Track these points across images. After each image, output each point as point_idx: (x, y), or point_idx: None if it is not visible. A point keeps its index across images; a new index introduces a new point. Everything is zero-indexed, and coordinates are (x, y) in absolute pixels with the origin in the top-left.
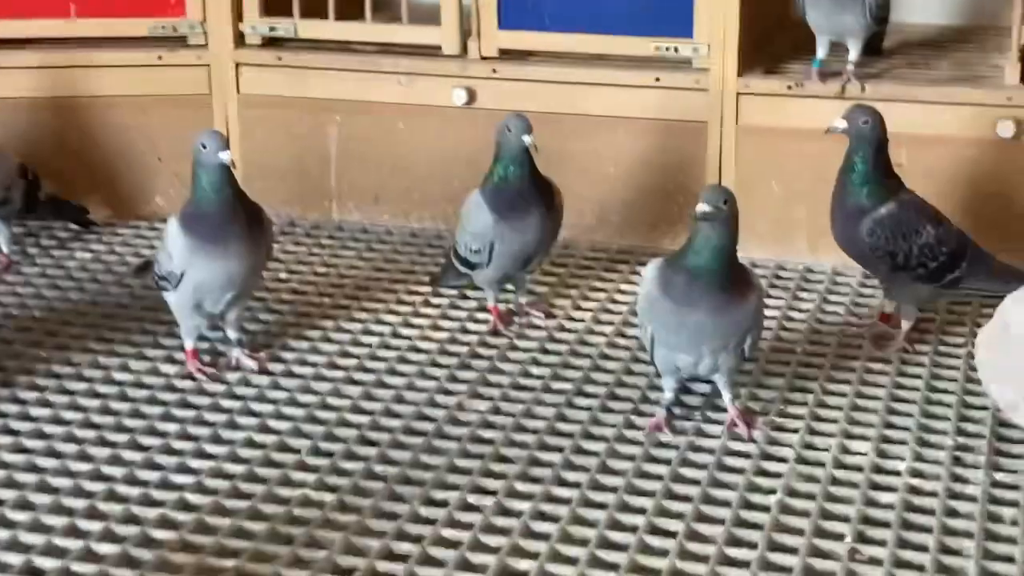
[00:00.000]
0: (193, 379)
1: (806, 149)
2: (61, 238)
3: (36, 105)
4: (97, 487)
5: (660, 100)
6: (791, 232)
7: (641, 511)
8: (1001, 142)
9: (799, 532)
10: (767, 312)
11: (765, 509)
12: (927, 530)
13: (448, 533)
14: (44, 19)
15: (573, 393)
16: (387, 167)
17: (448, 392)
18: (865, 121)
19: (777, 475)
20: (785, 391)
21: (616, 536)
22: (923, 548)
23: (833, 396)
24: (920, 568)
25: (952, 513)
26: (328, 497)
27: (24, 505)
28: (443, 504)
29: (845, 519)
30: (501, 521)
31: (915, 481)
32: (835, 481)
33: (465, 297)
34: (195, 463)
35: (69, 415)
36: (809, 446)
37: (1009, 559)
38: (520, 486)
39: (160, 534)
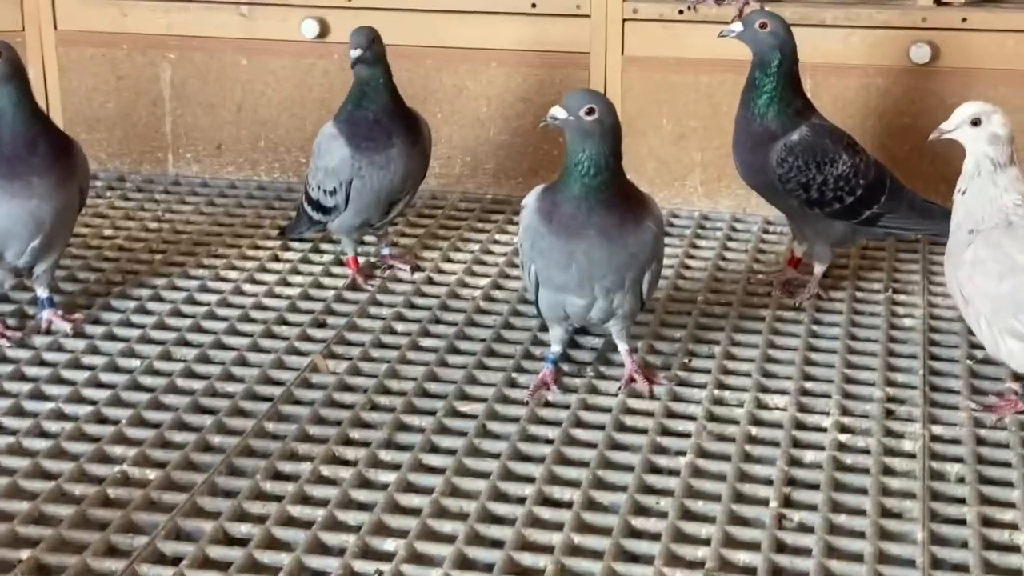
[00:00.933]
0: None
1: (701, 82)
2: None
3: None
4: None
5: (536, 28)
6: (684, 175)
7: (529, 479)
8: (915, 68)
9: (715, 498)
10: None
11: (674, 473)
12: (862, 491)
13: (297, 511)
14: None
15: (445, 350)
16: (230, 112)
17: (299, 352)
18: (763, 24)
19: (685, 435)
20: (688, 343)
21: (500, 508)
22: (860, 511)
23: (742, 348)
24: (859, 534)
25: (889, 472)
26: (152, 474)
27: None
28: (292, 478)
29: (767, 482)
30: (362, 495)
31: (843, 437)
32: (752, 440)
33: (319, 251)
34: None
35: None
36: (719, 402)
37: (959, 521)
38: (384, 455)
39: None
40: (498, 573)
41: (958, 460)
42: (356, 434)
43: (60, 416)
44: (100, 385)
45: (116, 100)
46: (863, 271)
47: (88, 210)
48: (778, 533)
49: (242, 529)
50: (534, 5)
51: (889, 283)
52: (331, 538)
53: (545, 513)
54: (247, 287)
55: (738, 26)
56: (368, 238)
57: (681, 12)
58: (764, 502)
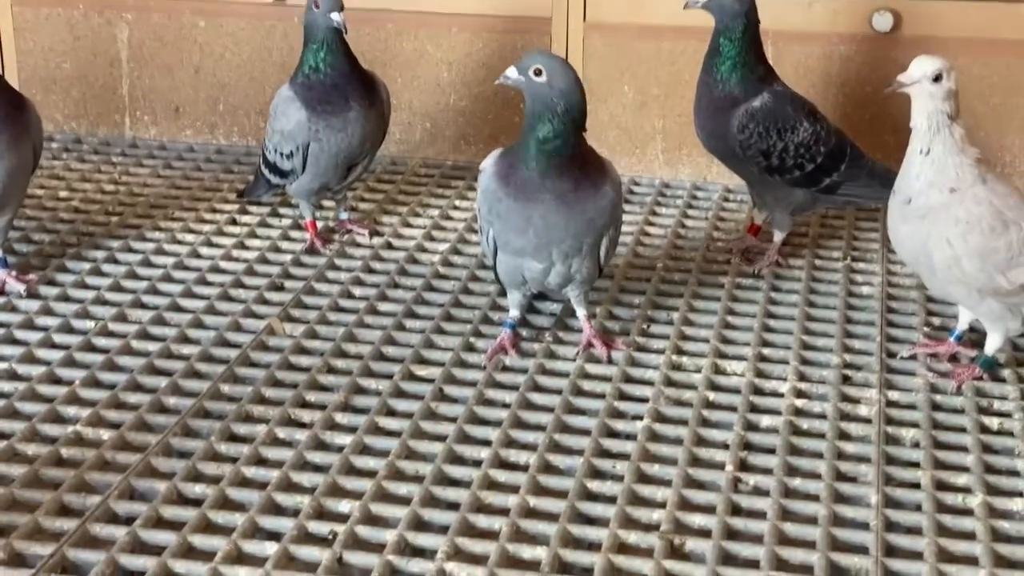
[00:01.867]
0: None
1: (663, 49)
2: None
3: None
4: None
5: None
6: (646, 142)
7: (485, 443)
8: (877, 36)
9: (671, 462)
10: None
11: (631, 437)
12: (818, 456)
13: (252, 472)
14: None
15: (403, 315)
16: (188, 75)
17: (255, 315)
18: None
19: (642, 400)
20: (647, 309)
21: (456, 471)
22: (815, 475)
23: (701, 314)
24: (814, 497)
25: (845, 436)
26: (106, 434)
27: None
28: (247, 440)
29: (723, 446)
30: (318, 457)
31: (800, 403)
32: (709, 405)
33: (277, 215)
34: None
35: None
36: (677, 367)
37: (914, 485)
38: (340, 418)
39: None
40: (453, 535)
41: (914, 425)
42: (312, 397)
43: (12, 376)
44: (54, 346)
45: (73, 61)
46: (822, 239)
47: (43, 172)
48: (733, 496)
49: (196, 490)
50: None
51: (848, 251)
52: (286, 499)
53: (501, 476)
54: (204, 250)
55: None
56: (327, 203)
57: None
58: (720, 466)
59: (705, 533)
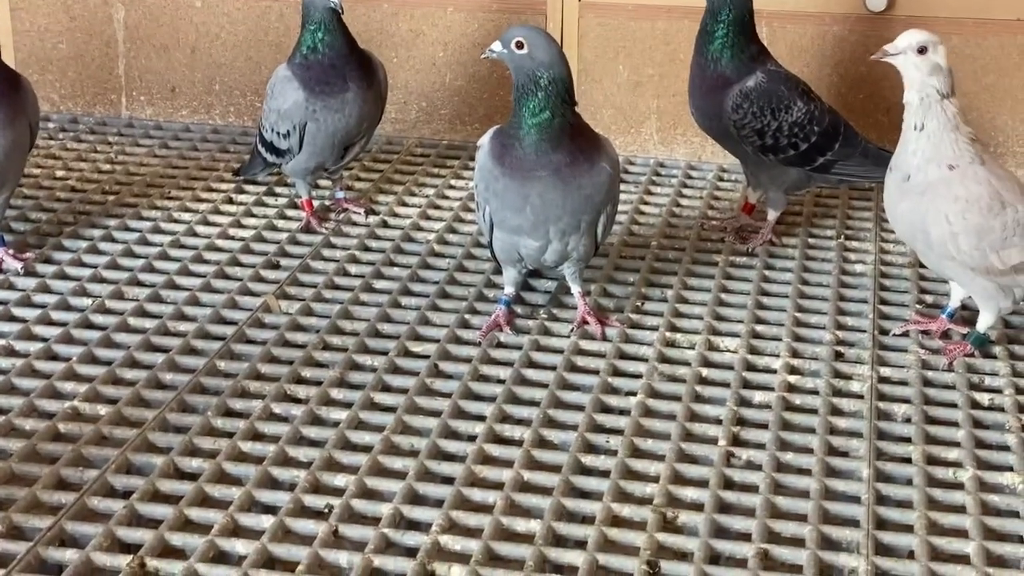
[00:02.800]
0: None
1: (658, 29)
2: None
3: None
4: None
5: None
6: (640, 122)
7: (480, 418)
8: (871, 16)
9: (665, 437)
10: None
11: (624, 413)
12: (810, 431)
13: (248, 447)
14: None
15: (398, 292)
16: (184, 55)
17: (252, 293)
18: None
19: (636, 376)
20: (641, 287)
21: (451, 446)
22: (807, 450)
23: (695, 292)
24: (806, 471)
25: (837, 412)
26: (103, 410)
27: None
28: (243, 415)
29: (716, 421)
30: (313, 432)
31: (793, 379)
32: (702, 380)
33: (274, 194)
34: None
35: None
36: (671, 344)
37: (905, 459)
38: (336, 393)
39: None
40: (447, 508)
41: (905, 401)
42: (308, 373)
43: (11, 353)
44: (51, 323)
45: (69, 41)
46: (816, 218)
47: (40, 151)
48: (726, 471)
49: (193, 464)
50: None
51: (842, 230)
52: (282, 473)
53: (495, 451)
54: (200, 228)
55: None
56: (323, 182)
57: None
58: (713, 441)
59: (698, 506)
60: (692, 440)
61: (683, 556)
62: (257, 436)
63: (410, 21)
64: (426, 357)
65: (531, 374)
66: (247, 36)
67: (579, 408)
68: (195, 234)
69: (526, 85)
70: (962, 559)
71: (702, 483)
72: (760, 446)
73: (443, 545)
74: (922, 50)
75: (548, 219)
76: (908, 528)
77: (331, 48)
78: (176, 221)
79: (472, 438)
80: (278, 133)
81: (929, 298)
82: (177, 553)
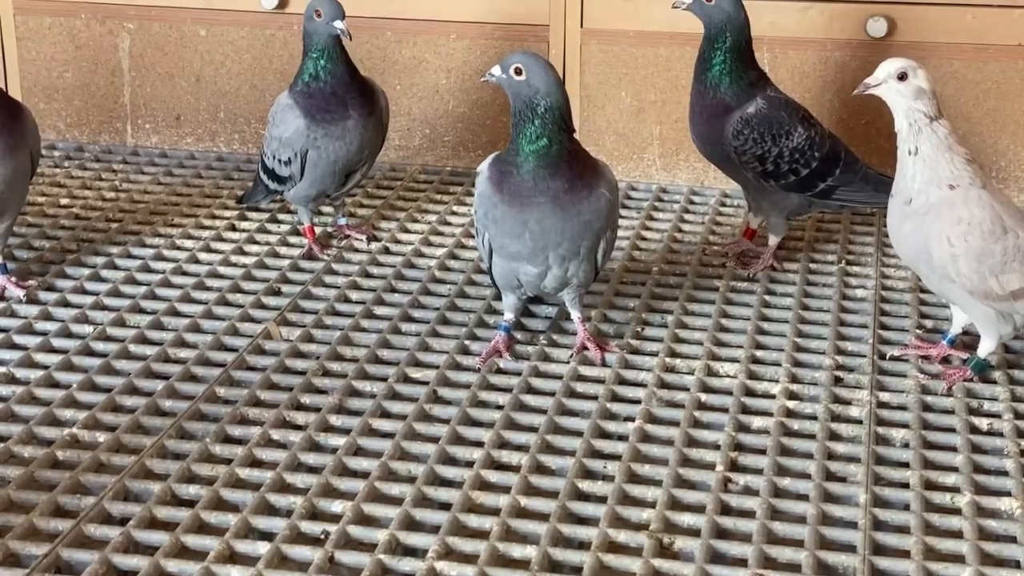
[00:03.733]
0: None
1: (660, 55)
2: None
3: None
4: None
5: (495, 1)
6: (643, 148)
7: (478, 444)
8: (872, 42)
9: (662, 462)
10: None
11: (623, 438)
12: (808, 456)
13: (245, 473)
14: None
15: (399, 318)
16: (189, 83)
17: (253, 319)
18: (716, 2)
19: (635, 401)
20: (642, 312)
21: (448, 472)
22: (804, 475)
23: (695, 317)
24: (803, 497)
25: (835, 437)
26: (102, 437)
27: None
28: (242, 442)
29: (715, 446)
30: (311, 458)
31: (792, 404)
32: (701, 406)
33: (276, 221)
34: None
35: None
36: (670, 369)
37: (903, 485)
38: (335, 420)
39: None
40: (444, 534)
41: (904, 426)
42: (307, 399)
43: (11, 380)
44: (52, 350)
45: (74, 70)
46: (817, 243)
47: (45, 179)
48: (723, 496)
49: (190, 491)
50: None
51: (843, 255)
52: (279, 500)
53: (493, 476)
54: (203, 255)
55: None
56: (325, 208)
57: None
58: (711, 466)
59: (694, 532)
60: (690, 466)
61: None
62: (255, 463)
63: (413, 48)
64: (425, 383)
65: (530, 400)
66: (251, 64)
67: (577, 434)
68: (197, 261)
69: (523, 112)
70: None
71: (699, 509)
72: (758, 471)
73: (439, 571)
74: (902, 76)
75: (547, 245)
76: (905, 553)
77: (332, 75)
78: (179, 248)
79: (470, 464)
80: (280, 160)
81: (929, 323)
82: None
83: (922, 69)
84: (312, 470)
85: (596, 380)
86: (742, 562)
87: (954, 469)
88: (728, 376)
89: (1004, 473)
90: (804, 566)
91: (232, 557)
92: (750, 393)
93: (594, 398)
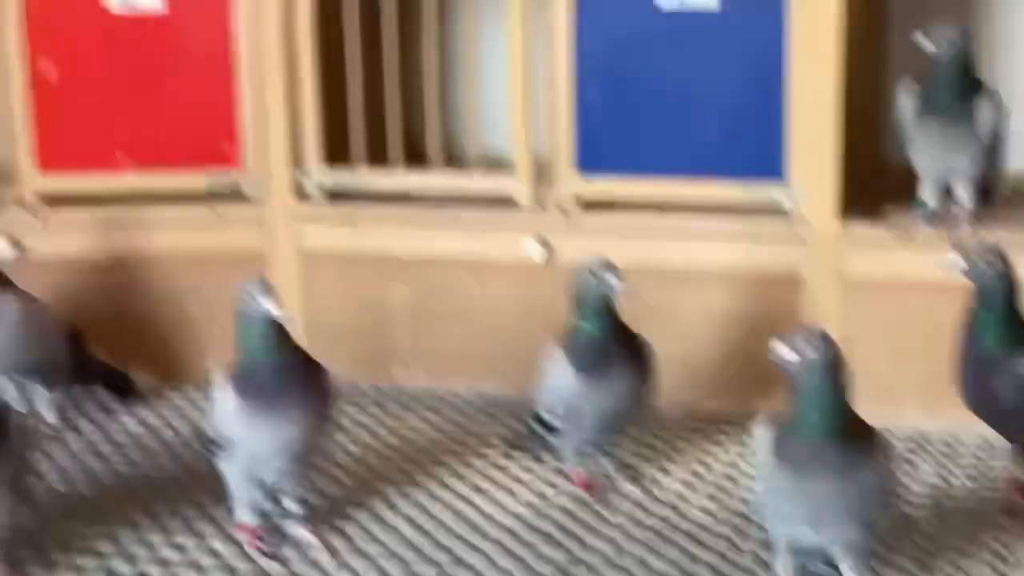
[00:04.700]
0: (251, 558)
1: (915, 303)
2: (107, 406)
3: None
4: None
5: (751, 251)
6: (900, 396)
7: None
8: None
9: None
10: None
11: None
12: None
13: None
14: (95, 174)
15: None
16: (458, 328)
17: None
18: (989, 263)
19: None
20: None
21: None
22: None
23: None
24: None
25: None
26: None
27: None
28: None
29: None
30: None
31: None
32: None
33: (540, 460)
34: None
35: None
36: None
37: None
38: None
39: None
40: None
41: None
42: None
43: None
44: None
45: (351, 316)
46: None
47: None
48: None
49: None
50: (749, 229)
51: None
52: None
53: None
54: (480, 502)
55: (960, 263)
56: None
57: (894, 236)
58: None
59: None
60: None
61: None
62: None
63: (672, 297)
64: None
65: None
66: (518, 312)
67: None
68: (478, 509)
69: (806, 391)
70: None
71: None
72: None
73: None
74: None
75: (827, 516)
76: None
77: (604, 331)
78: (464, 499)
79: None
80: (550, 411)
81: None
82: None
83: None
84: None
85: None
86: None
87: None
88: None
89: None
90: None
91: None
92: None
93: None
